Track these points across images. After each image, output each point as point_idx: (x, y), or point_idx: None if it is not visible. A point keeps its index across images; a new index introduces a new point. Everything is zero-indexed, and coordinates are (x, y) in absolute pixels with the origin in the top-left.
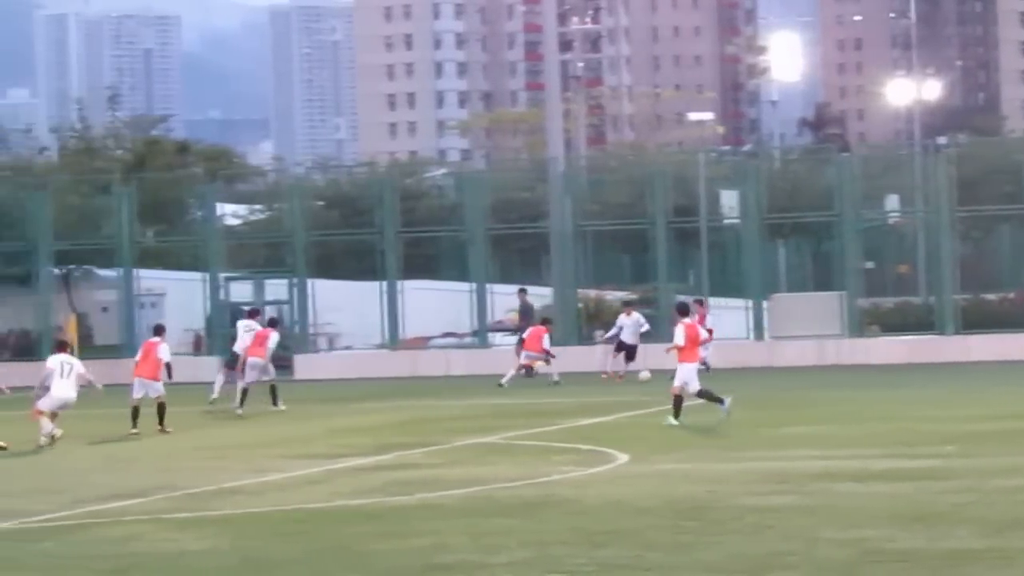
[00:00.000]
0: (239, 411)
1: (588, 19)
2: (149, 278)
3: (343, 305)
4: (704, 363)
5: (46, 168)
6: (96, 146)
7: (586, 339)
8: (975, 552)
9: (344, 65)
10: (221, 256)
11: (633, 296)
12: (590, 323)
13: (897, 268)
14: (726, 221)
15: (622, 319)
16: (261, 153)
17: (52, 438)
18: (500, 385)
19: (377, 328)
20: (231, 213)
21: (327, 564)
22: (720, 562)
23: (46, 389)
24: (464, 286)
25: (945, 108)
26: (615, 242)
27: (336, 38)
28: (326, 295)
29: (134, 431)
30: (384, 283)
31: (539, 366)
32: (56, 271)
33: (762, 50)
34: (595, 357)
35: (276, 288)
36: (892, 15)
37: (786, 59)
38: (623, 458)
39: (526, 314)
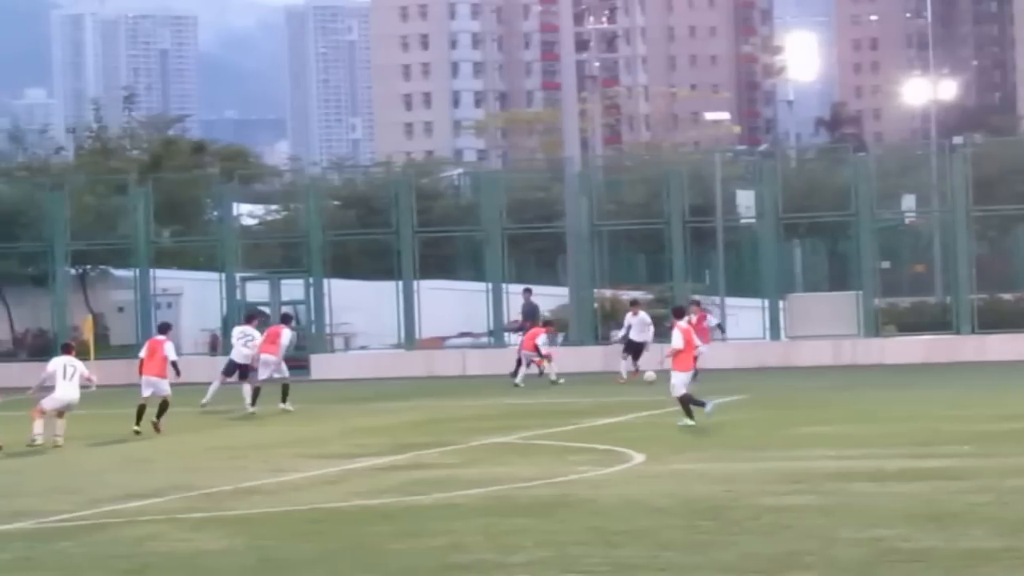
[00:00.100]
0: (252, 409)
1: (604, 19)
2: (165, 278)
3: (359, 305)
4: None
5: (62, 168)
6: (112, 146)
7: (603, 339)
8: (991, 552)
9: (360, 65)
10: (237, 256)
11: (638, 295)
12: (606, 323)
13: (913, 268)
14: (742, 221)
15: (629, 318)
16: (277, 153)
17: (37, 444)
18: (516, 385)
19: (393, 328)
20: (247, 213)
21: (343, 564)
22: (736, 562)
23: (44, 390)
24: (480, 286)
25: (961, 108)
26: (631, 242)
27: (352, 38)
28: (342, 295)
29: (136, 429)
30: (400, 283)
31: (543, 365)
32: (72, 271)
33: (778, 50)
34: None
35: (292, 288)
36: (908, 15)
37: (802, 59)
38: (639, 458)
39: (530, 315)
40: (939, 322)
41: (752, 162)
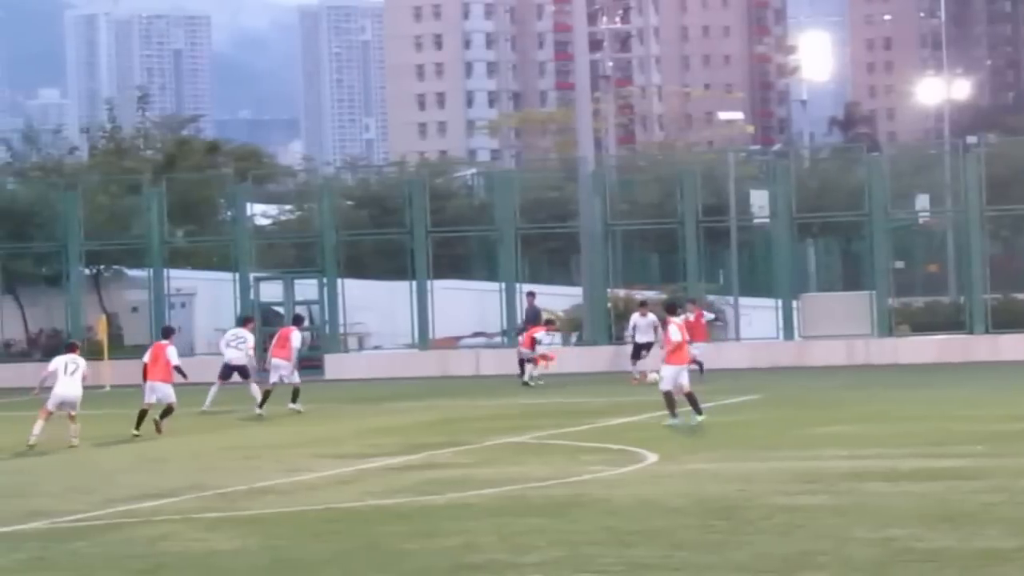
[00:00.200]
0: (259, 411)
1: (618, 19)
2: (179, 278)
3: (373, 305)
4: (697, 362)
5: (76, 168)
6: (126, 146)
7: (616, 339)
8: (1005, 552)
9: (374, 65)
10: (251, 256)
11: (652, 295)
12: (619, 323)
13: (927, 267)
14: (756, 221)
15: (636, 318)
16: (291, 153)
17: (30, 445)
18: (526, 384)
19: (407, 328)
20: (261, 213)
21: (357, 564)
22: (750, 561)
23: (47, 389)
24: (494, 286)
25: (975, 107)
26: (645, 242)
27: (366, 38)
28: (356, 295)
29: (135, 432)
30: (414, 283)
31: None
32: (86, 271)
33: (792, 49)
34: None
35: (306, 288)
36: (922, 14)
37: (816, 58)
38: (653, 458)
39: (532, 319)
40: (953, 322)
41: (766, 162)
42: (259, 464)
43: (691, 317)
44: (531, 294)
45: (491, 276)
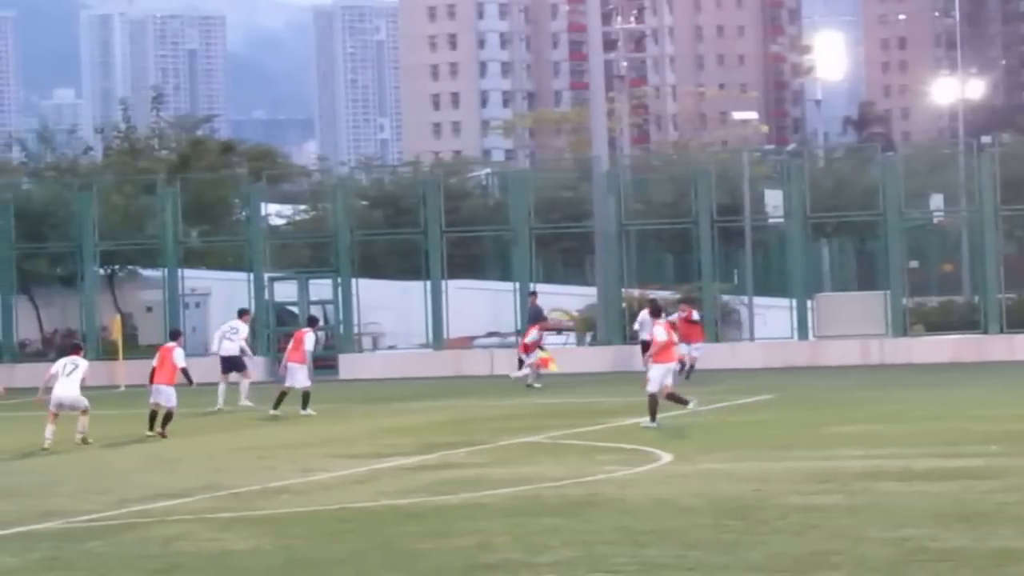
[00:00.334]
0: (273, 412)
1: (632, 19)
2: (193, 278)
3: (387, 305)
4: (683, 363)
5: (91, 168)
6: (141, 146)
7: (630, 339)
8: (1020, 551)
9: (388, 65)
10: (265, 256)
11: (666, 294)
12: (634, 323)
13: (941, 267)
14: (770, 220)
15: (643, 315)
16: (305, 153)
17: (44, 448)
18: (530, 386)
19: (421, 328)
20: (275, 213)
21: (371, 564)
22: (764, 561)
23: (49, 391)
24: (508, 286)
25: (989, 107)
26: (659, 241)
27: (380, 38)
28: (370, 295)
29: (150, 434)
30: (428, 283)
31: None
32: (101, 271)
33: (806, 49)
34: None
35: (320, 288)
36: (936, 14)
37: (830, 58)
38: (667, 457)
39: (535, 319)
40: (967, 321)
41: (780, 161)
42: (273, 464)
43: (674, 318)
44: (533, 293)
45: (505, 276)
